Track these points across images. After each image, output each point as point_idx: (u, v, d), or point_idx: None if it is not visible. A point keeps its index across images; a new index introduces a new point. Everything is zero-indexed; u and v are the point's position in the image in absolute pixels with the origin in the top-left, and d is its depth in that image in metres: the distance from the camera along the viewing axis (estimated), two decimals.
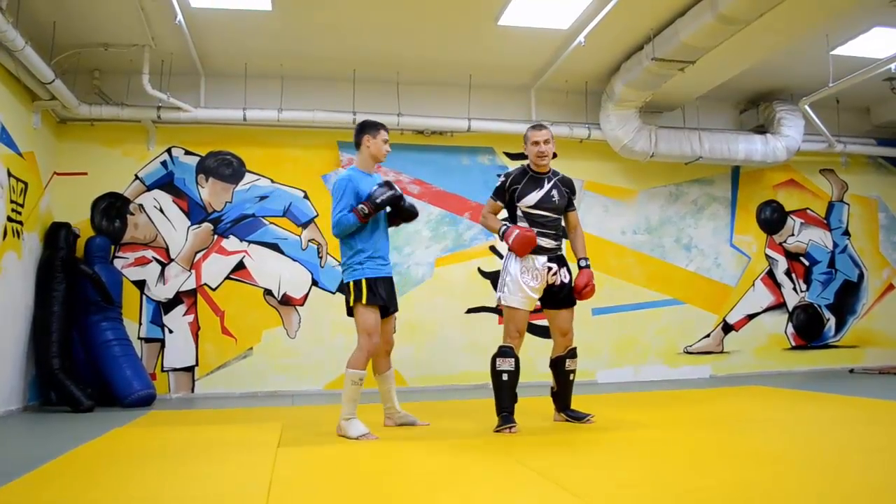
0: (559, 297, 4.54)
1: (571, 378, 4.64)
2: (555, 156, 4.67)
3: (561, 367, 4.63)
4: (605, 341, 7.90)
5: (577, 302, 4.62)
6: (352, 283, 4.25)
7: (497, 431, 4.29)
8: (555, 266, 4.51)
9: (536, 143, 4.58)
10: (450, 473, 3.28)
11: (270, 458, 3.57)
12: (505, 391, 4.41)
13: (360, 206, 4.19)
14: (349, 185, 4.30)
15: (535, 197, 4.54)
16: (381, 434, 4.27)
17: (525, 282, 4.46)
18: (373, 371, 4.53)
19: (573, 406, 4.68)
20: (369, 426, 4.22)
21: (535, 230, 4.48)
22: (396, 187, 4.33)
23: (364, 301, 4.21)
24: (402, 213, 4.46)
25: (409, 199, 4.54)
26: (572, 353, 4.61)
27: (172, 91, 6.86)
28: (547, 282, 4.50)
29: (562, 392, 4.68)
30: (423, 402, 6.28)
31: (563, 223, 4.69)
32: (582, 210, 7.21)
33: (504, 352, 4.41)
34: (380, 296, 4.27)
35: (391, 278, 4.45)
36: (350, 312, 4.32)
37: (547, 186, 4.59)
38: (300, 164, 7.55)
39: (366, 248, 4.30)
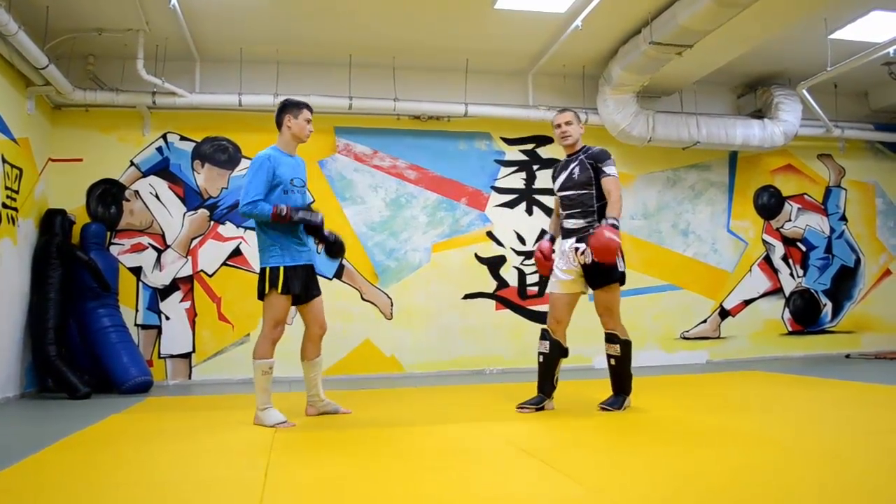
0: (590, 277, 4.47)
1: (612, 363, 4.52)
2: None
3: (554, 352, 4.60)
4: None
5: (622, 283, 4.47)
6: (268, 270, 4.14)
7: (518, 408, 4.50)
8: (581, 246, 4.44)
9: (559, 125, 4.67)
10: (446, 457, 3.28)
11: (267, 443, 3.58)
12: (540, 373, 4.59)
13: (282, 207, 4.06)
14: (266, 163, 4.14)
15: (560, 180, 4.65)
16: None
17: (558, 266, 4.55)
18: (300, 356, 4.48)
19: (614, 387, 4.56)
20: (289, 414, 4.23)
21: (565, 213, 4.60)
22: (318, 219, 4.16)
23: (279, 290, 4.13)
24: (326, 244, 4.35)
25: (335, 235, 4.39)
26: (608, 338, 4.52)
27: (167, 76, 6.82)
28: (578, 263, 4.46)
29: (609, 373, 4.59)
30: (420, 387, 6.30)
31: (594, 199, 4.49)
32: None
33: (542, 334, 4.60)
34: (295, 285, 4.18)
35: (311, 265, 4.32)
36: (261, 297, 4.21)
37: (571, 166, 4.60)
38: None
39: (285, 234, 4.17)
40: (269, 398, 4.19)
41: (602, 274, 4.41)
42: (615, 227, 4.26)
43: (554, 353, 4.55)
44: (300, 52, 7.20)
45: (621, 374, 4.51)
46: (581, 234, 4.49)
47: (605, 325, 4.54)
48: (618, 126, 7.59)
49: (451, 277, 7.69)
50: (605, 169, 4.49)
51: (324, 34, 6.86)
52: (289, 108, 4.30)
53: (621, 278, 4.46)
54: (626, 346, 4.50)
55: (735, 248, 8.57)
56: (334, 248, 4.37)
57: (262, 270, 4.18)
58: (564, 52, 7.25)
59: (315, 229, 4.18)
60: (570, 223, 4.57)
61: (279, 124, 4.33)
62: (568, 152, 4.69)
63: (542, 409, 4.52)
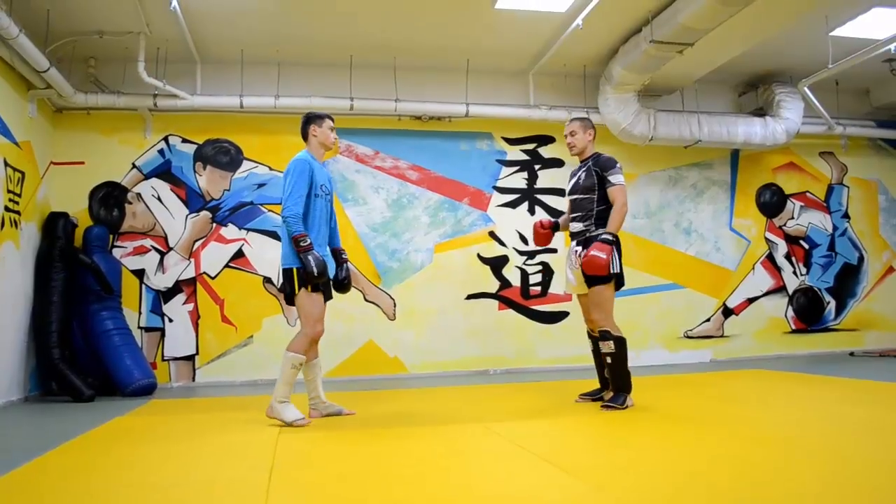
0: (585, 277, 4.62)
1: (608, 361, 4.55)
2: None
3: (599, 348, 4.74)
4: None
5: (619, 285, 4.60)
6: (295, 270, 4.24)
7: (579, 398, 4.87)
8: (580, 248, 4.68)
9: (565, 135, 4.88)
10: (450, 457, 3.28)
11: (272, 444, 3.58)
12: (596, 366, 4.85)
13: (310, 242, 4.18)
14: (308, 168, 4.36)
15: (570, 185, 4.88)
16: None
17: (568, 266, 4.82)
18: None
19: (613, 386, 4.60)
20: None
21: (571, 216, 4.81)
22: (312, 270, 4.15)
23: (310, 288, 4.22)
24: (334, 281, 4.52)
25: (343, 273, 4.56)
26: (601, 336, 4.57)
27: (169, 79, 6.82)
28: (578, 265, 4.66)
29: (606, 371, 4.68)
30: (424, 388, 6.29)
31: (595, 204, 4.65)
32: None
33: (601, 335, 4.60)
34: (323, 284, 4.31)
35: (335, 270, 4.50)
36: (291, 300, 4.30)
37: (579, 172, 4.79)
38: (298, 150, 7.47)
39: (313, 235, 4.30)
40: (289, 393, 4.23)
41: (589, 279, 4.60)
42: (607, 241, 4.46)
43: (595, 348, 4.77)
44: (301, 53, 7.20)
45: (618, 372, 4.53)
46: (579, 238, 4.74)
47: (596, 322, 4.61)
48: (619, 125, 7.58)
49: (453, 278, 7.69)
50: (610, 178, 4.64)
51: (324, 35, 6.86)
52: (313, 119, 4.59)
53: (617, 280, 4.58)
54: (620, 342, 4.53)
55: (738, 246, 8.56)
56: (342, 285, 4.58)
57: (288, 271, 4.27)
58: (565, 51, 7.24)
59: (307, 274, 4.17)
60: (573, 226, 4.82)
61: (305, 135, 4.59)
62: (580, 159, 4.88)
63: (599, 399, 4.77)
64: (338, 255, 4.58)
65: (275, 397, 4.22)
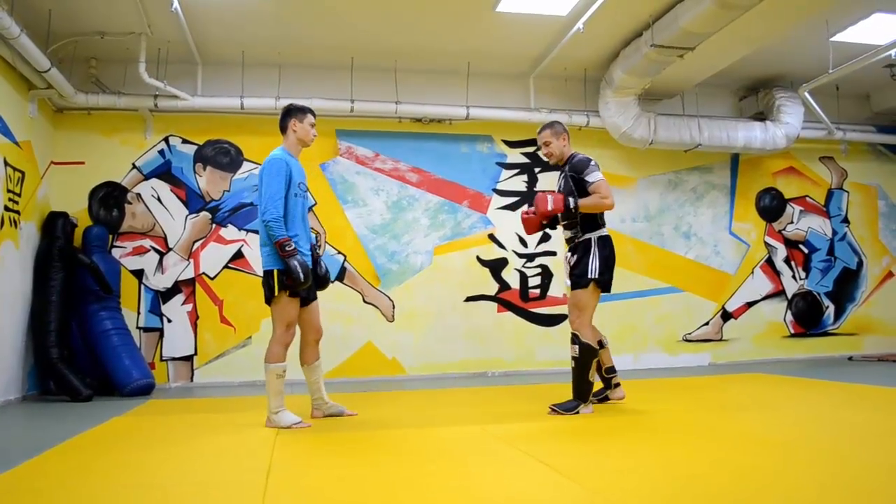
0: (570, 279, 4.65)
1: (572, 364, 4.53)
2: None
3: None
4: (605, 329, 7.80)
5: (604, 290, 4.59)
6: (276, 272, 4.12)
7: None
8: (569, 254, 4.70)
9: (540, 147, 4.83)
10: (448, 459, 3.28)
11: (269, 445, 3.58)
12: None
13: (293, 247, 4.06)
14: (285, 167, 4.18)
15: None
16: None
17: (565, 271, 4.78)
18: (300, 361, 4.46)
19: (572, 391, 4.56)
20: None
21: (562, 224, 4.75)
22: (299, 275, 4.04)
23: (288, 292, 4.14)
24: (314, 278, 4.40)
25: (322, 269, 4.46)
26: (571, 339, 4.54)
27: (169, 79, 6.82)
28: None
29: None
30: (422, 390, 6.29)
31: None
32: None
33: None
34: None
35: (312, 266, 4.35)
36: (269, 301, 4.21)
37: (560, 180, 4.76)
38: None
39: (294, 235, 4.20)
40: (282, 401, 4.22)
41: (575, 276, 4.58)
42: (564, 202, 4.46)
43: (583, 354, 4.52)
44: (302, 55, 7.21)
45: (578, 379, 4.50)
46: (570, 246, 4.70)
47: (571, 324, 4.59)
48: (619, 129, 7.59)
49: (452, 280, 7.69)
50: (588, 178, 4.57)
51: (325, 37, 6.87)
52: (293, 112, 4.37)
53: (603, 285, 4.55)
54: (586, 351, 4.47)
55: (737, 250, 8.56)
56: (324, 281, 4.49)
57: (269, 273, 4.17)
58: (566, 54, 7.25)
59: (293, 281, 4.08)
60: (565, 233, 4.77)
61: (283, 129, 4.38)
62: (560, 165, 4.79)
63: (605, 399, 4.86)
64: (312, 250, 4.42)
65: (269, 410, 4.21)
